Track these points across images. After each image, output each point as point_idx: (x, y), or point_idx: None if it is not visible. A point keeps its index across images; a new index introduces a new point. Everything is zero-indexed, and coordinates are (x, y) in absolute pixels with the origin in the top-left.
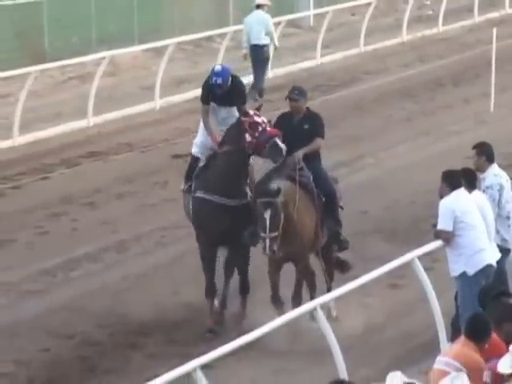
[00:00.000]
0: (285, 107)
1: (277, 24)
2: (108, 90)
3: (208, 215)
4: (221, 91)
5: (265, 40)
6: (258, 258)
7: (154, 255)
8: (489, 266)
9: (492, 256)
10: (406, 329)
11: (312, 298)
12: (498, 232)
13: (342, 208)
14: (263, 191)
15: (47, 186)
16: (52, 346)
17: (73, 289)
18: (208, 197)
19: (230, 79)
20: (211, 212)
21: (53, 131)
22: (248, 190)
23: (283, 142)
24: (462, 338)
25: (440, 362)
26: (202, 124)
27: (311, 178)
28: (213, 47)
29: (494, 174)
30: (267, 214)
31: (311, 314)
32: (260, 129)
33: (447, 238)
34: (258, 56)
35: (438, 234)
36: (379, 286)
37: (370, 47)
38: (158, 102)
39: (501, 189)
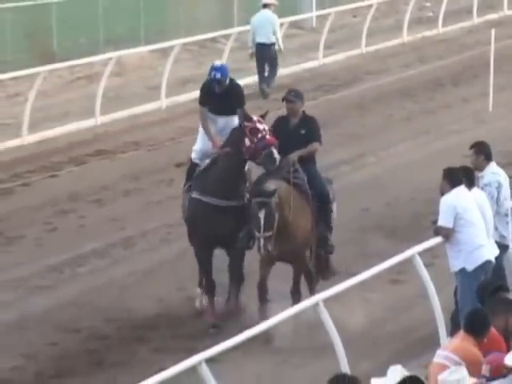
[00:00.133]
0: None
1: (280, 25)
2: (115, 90)
3: (202, 217)
4: (219, 89)
5: (273, 39)
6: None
7: (160, 251)
8: (488, 262)
9: (491, 252)
10: (407, 323)
11: (311, 289)
12: (496, 229)
13: (332, 211)
14: (258, 191)
15: (55, 184)
16: (60, 339)
17: (80, 284)
18: (204, 199)
19: (228, 80)
20: (206, 214)
21: (61, 130)
22: (246, 192)
23: (279, 145)
24: (461, 332)
25: (439, 356)
26: (201, 130)
27: (306, 179)
28: (217, 48)
29: (492, 172)
30: (261, 214)
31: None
32: (259, 135)
33: (447, 234)
34: (265, 54)
35: (438, 231)
36: (380, 281)
37: (371, 48)
38: (164, 102)
39: (499, 186)
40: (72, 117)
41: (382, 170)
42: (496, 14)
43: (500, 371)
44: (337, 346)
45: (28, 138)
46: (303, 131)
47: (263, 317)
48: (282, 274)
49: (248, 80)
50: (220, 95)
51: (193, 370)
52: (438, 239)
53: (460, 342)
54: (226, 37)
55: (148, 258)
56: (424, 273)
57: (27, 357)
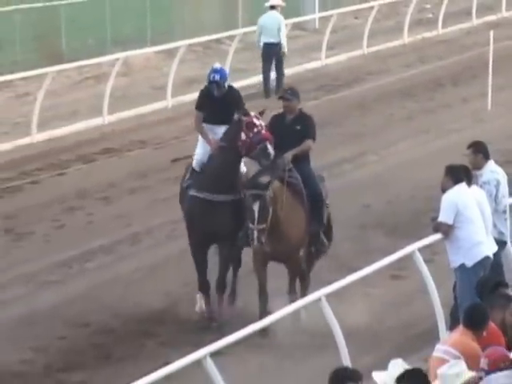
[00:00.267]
0: None
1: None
2: (122, 90)
3: (199, 213)
4: (218, 92)
5: (279, 39)
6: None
7: (166, 247)
8: (486, 258)
9: (489, 248)
10: (407, 318)
11: (304, 295)
12: (495, 226)
13: (327, 206)
14: (253, 184)
15: (64, 182)
16: (68, 334)
17: (88, 279)
18: (201, 195)
19: (227, 87)
20: (202, 209)
21: (69, 129)
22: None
23: (275, 141)
24: (461, 327)
25: (439, 350)
26: (200, 138)
27: (300, 179)
28: (222, 49)
29: (490, 170)
30: (256, 206)
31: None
32: (255, 130)
33: (446, 230)
34: (271, 54)
35: (438, 226)
36: (381, 277)
37: (372, 49)
38: (170, 101)
39: (497, 184)
40: (80, 116)
41: (383, 168)
42: (494, 16)
43: (498, 365)
44: (339, 340)
45: (37, 137)
46: (298, 127)
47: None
48: (277, 273)
49: (252, 80)
50: (218, 100)
51: (198, 363)
52: (438, 236)
53: (459, 336)
54: (231, 38)
55: (154, 254)
56: (424, 269)
57: (36, 350)
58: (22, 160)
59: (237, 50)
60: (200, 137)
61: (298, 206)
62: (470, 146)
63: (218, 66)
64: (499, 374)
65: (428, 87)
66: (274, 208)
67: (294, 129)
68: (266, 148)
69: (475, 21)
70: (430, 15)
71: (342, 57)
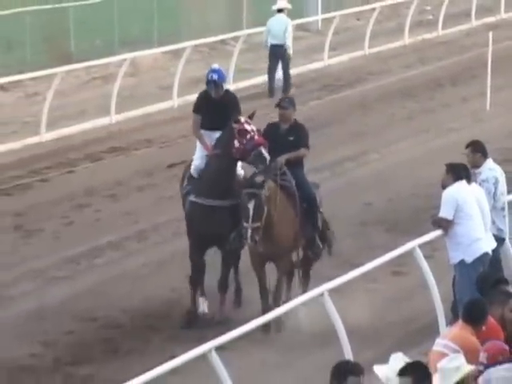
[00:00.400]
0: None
1: None
2: (129, 90)
3: (197, 217)
4: (216, 93)
5: (285, 40)
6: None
7: (172, 244)
8: (485, 254)
9: (488, 245)
10: (408, 313)
11: (288, 289)
12: (493, 222)
13: (321, 212)
14: (248, 183)
15: (72, 179)
16: (77, 328)
17: (96, 275)
18: (199, 200)
19: (224, 91)
20: (200, 214)
21: (77, 128)
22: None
23: (269, 151)
24: (460, 321)
25: (439, 345)
26: (198, 145)
27: (293, 183)
28: (227, 50)
29: (489, 168)
30: (251, 205)
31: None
32: (248, 136)
33: (446, 226)
34: (278, 55)
35: (439, 222)
36: (382, 272)
37: (374, 50)
38: (176, 101)
39: (496, 182)
40: (88, 115)
41: (384, 167)
42: (493, 18)
43: (496, 358)
44: (341, 334)
45: (46, 136)
46: (292, 137)
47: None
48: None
49: (256, 80)
50: (215, 104)
51: (203, 357)
52: (438, 232)
53: (458, 330)
54: (236, 39)
55: (160, 250)
56: (424, 265)
57: (45, 344)
58: (32, 158)
59: (241, 50)
60: (198, 143)
61: (290, 209)
62: (469, 146)
63: (216, 66)
64: (499, 367)
65: (428, 87)
66: (267, 208)
67: (287, 139)
68: (260, 153)
69: (474, 22)
70: (430, 17)
71: (344, 57)
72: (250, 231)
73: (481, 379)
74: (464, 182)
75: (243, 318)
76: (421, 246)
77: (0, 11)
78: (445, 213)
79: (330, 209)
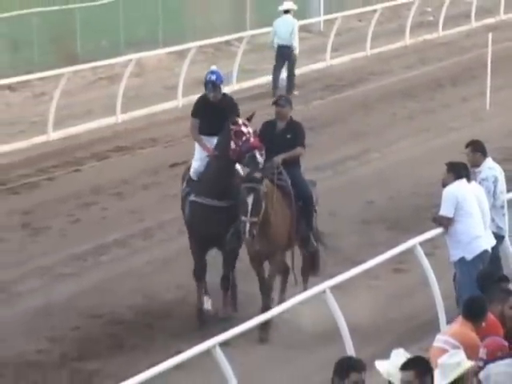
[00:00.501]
0: (297, 104)
1: None
2: (135, 90)
3: (198, 217)
4: (214, 96)
5: (292, 41)
6: None
7: (177, 241)
8: (485, 252)
9: (488, 242)
10: (409, 310)
11: (282, 291)
12: (493, 220)
13: (315, 211)
14: (247, 178)
15: (79, 178)
16: (83, 324)
17: (102, 272)
18: (200, 200)
19: (222, 94)
20: (201, 214)
21: (84, 127)
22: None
23: (266, 149)
24: (460, 318)
25: (439, 341)
26: (197, 147)
27: (290, 182)
28: (231, 50)
29: (488, 167)
30: (250, 199)
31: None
32: (244, 138)
33: (447, 224)
34: (284, 55)
35: (440, 220)
36: (384, 270)
37: (375, 50)
38: (181, 101)
39: (495, 181)
40: (94, 115)
41: (386, 166)
42: (493, 19)
43: (496, 354)
44: (343, 331)
45: (53, 135)
46: (289, 135)
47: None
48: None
49: (260, 80)
50: (214, 108)
51: (207, 353)
52: (439, 230)
53: (459, 327)
54: (239, 40)
55: (165, 248)
56: (425, 262)
57: (52, 340)
58: (39, 157)
59: (245, 51)
60: (196, 145)
61: (286, 208)
62: (469, 145)
63: (214, 68)
64: (499, 362)
65: (429, 87)
66: (265, 205)
67: (284, 137)
68: (254, 157)
69: (474, 23)
70: (431, 18)
71: (346, 58)
72: (248, 225)
73: (481, 374)
74: (464, 180)
75: (246, 316)
76: (422, 244)
77: (8, 12)
78: (445, 211)
79: (333, 207)
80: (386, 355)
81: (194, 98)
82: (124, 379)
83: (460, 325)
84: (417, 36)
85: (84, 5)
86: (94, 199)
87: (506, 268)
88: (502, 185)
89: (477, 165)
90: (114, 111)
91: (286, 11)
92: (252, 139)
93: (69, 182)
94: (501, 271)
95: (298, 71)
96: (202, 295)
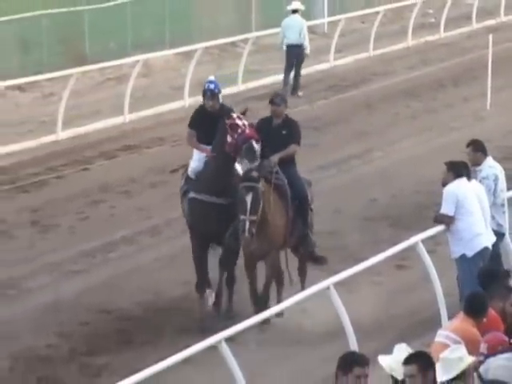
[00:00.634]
0: (302, 104)
1: None
2: (142, 90)
3: (198, 214)
4: (212, 105)
5: (300, 40)
6: None
7: (183, 238)
8: (485, 249)
9: (488, 239)
10: (411, 306)
11: (279, 293)
12: (493, 218)
13: (311, 210)
14: (246, 177)
15: (87, 176)
16: (92, 320)
17: (110, 269)
18: (199, 196)
19: (220, 105)
20: (201, 211)
21: (92, 127)
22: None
23: (262, 145)
24: (461, 313)
25: (441, 336)
26: (194, 149)
27: (286, 181)
28: (236, 51)
29: (489, 165)
30: (248, 198)
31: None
32: (239, 131)
33: (448, 222)
34: (294, 54)
35: (441, 218)
36: (386, 266)
37: (378, 51)
38: (187, 101)
39: (496, 179)
40: (102, 115)
41: (389, 164)
42: (494, 20)
43: (496, 349)
44: (346, 326)
45: (62, 134)
46: (284, 132)
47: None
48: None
49: (265, 81)
50: (212, 119)
51: (214, 348)
52: (440, 228)
53: (460, 322)
54: (245, 41)
55: (173, 245)
56: (427, 259)
57: (61, 335)
58: (48, 156)
59: (250, 52)
60: (194, 150)
61: (282, 208)
62: (469, 144)
63: (212, 78)
64: (498, 356)
65: (431, 88)
66: (262, 205)
67: (280, 133)
68: (251, 146)
69: (475, 25)
70: (433, 20)
71: (349, 59)
72: (247, 223)
73: (481, 368)
74: (464, 179)
75: (250, 312)
76: (424, 241)
77: (18, 14)
78: (446, 209)
79: (337, 204)
80: (388, 350)
81: (201, 98)
82: (132, 373)
83: (461, 320)
84: (419, 37)
85: (92, 7)
86: (102, 197)
87: (506, 265)
88: (502, 183)
89: (477, 164)
90: (121, 111)
91: (294, 11)
92: (247, 130)
93: (77, 181)
94: (502, 268)
95: (302, 72)
96: (205, 309)
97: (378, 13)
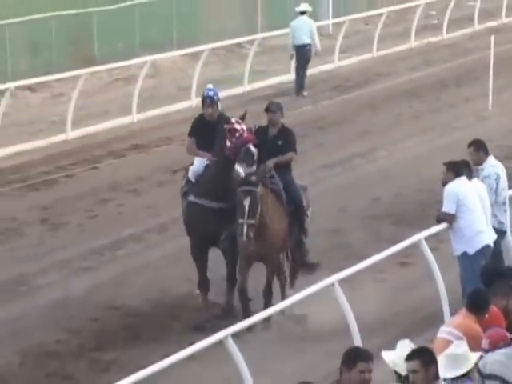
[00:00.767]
0: (307, 104)
1: None
2: (150, 91)
3: (197, 218)
4: (210, 115)
5: (309, 40)
6: None
7: None
8: (487, 247)
9: (489, 237)
10: (414, 302)
11: (283, 297)
12: (495, 216)
13: (307, 216)
14: (244, 181)
15: (96, 175)
16: (100, 316)
17: (119, 266)
18: (199, 201)
19: (218, 113)
20: (200, 215)
21: (101, 127)
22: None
23: (258, 155)
24: (463, 310)
25: (443, 332)
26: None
27: (282, 186)
28: (243, 52)
29: (490, 164)
30: (247, 202)
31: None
32: (237, 134)
33: (450, 220)
34: (303, 54)
35: (442, 217)
36: (390, 264)
37: (381, 52)
38: (194, 101)
39: (497, 178)
40: (111, 115)
41: (392, 163)
42: (495, 22)
43: (498, 344)
44: (350, 323)
45: (71, 134)
46: (280, 142)
47: (247, 315)
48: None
49: (270, 81)
50: (211, 128)
51: (220, 343)
52: (443, 226)
53: (462, 319)
54: (251, 42)
55: (180, 243)
56: (430, 256)
57: (70, 331)
58: (58, 155)
59: (256, 53)
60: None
61: (280, 211)
62: (471, 144)
63: (211, 86)
64: (497, 351)
65: (433, 88)
66: (260, 208)
67: (275, 143)
68: (248, 149)
69: (477, 26)
70: (436, 21)
71: (353, 60)
72: (245, 227)
73: (480, 363)
74: (464, 178)
75: (255, 309)
76: (426, 239)
77: (28, 16)
78: (447, 208)
79: (341, 203)
80: (392, 346)
81: None
82: (140, 369)
83: (463, 317)
84: (422, 38)
85: (101, 8)
86: (110, 195)
87: (507, 262)
88: (503, 182)
89: (479, 163)
90: (129, 111)
91: (303, 12)
92: (245, 134)
93: (87, 179)
94: (503, 265)
95: (307, 72)
96: (207, 304)
97: (381, 14)
